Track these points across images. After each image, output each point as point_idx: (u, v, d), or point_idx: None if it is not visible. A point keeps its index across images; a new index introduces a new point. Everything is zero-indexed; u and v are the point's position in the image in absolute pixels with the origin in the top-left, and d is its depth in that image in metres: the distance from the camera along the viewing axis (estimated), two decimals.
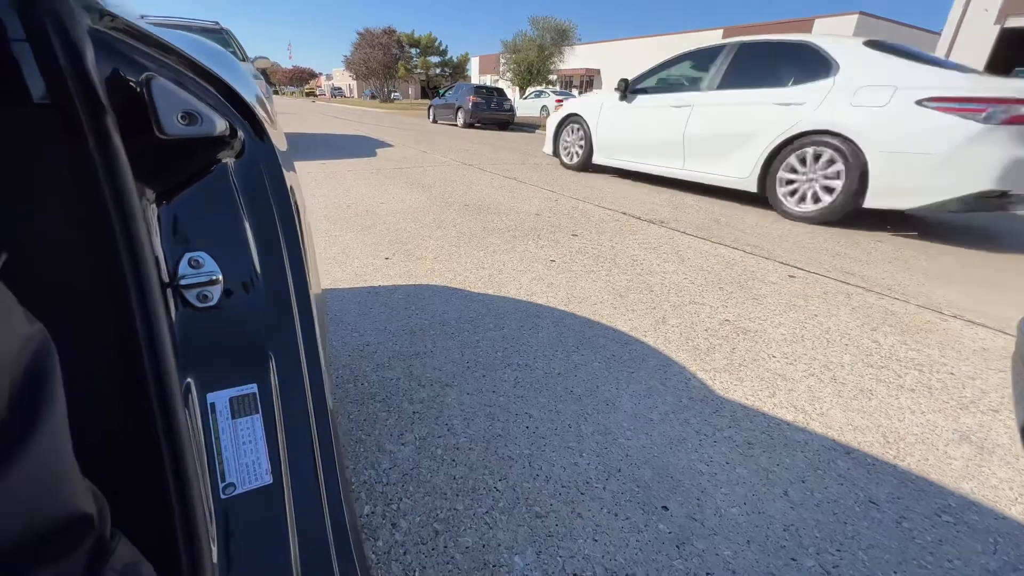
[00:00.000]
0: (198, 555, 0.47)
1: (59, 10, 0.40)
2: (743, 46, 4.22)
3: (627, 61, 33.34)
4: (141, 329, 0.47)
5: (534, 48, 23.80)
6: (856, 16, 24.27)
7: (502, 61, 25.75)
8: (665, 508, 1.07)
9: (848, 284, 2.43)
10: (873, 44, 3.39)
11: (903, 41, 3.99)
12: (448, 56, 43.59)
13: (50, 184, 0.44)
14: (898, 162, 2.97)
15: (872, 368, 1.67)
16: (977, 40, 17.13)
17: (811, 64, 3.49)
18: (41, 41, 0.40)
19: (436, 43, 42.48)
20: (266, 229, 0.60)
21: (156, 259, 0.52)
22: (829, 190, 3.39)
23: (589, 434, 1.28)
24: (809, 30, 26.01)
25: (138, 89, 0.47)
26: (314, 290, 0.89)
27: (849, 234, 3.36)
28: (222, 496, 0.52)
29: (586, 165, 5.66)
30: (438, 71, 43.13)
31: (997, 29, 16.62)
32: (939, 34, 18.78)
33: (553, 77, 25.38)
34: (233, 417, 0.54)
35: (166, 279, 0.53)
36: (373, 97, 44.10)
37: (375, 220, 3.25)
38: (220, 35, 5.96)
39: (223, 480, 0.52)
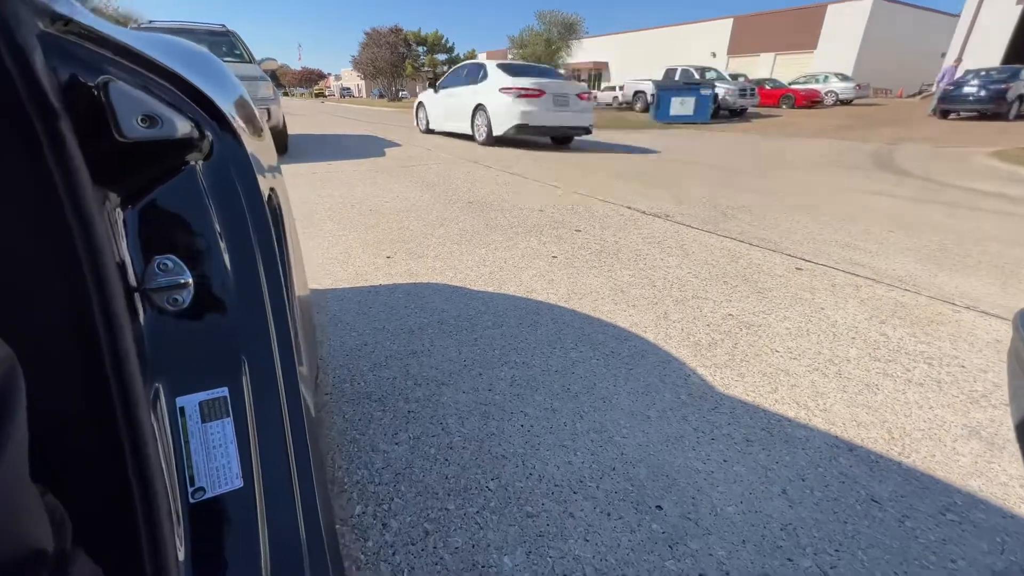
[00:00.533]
0: (163, 560, 0.47)
1: (4, 14, 0.39)
2: (466, 65, 8.52)
3: (635, 54, 32.99)
4: (103, 334, 0.47)
5: (541, 43, 23.66)
6: (871, 0, 23.67)
7: (509, 56, 25.64)
8: (659, 507, 1.05)
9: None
10: (501, 66, 7.67)
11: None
12: (455, 53, 43.55)
13: (4, 191, 0.44)
14: (497, 115, 7.28)
15: (879, 362, 1.63)
16: (998, 21, 16.61)
17: (481, 74, 7.78)
18: None
19: (443, 40, 42.46)
20: (238, 231, 0.60)
21: (122, 263, 0.51)
22: (488, 129, 7.53)
23: (584, 432, 1.27)
24: (821, 16, 25.46)
25: (96, 92, 0.47)
26: (298, 292, 0.89)
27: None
28: (191, 500, 0.52)
29: (428, 130, 9.69)
30: (445, 68, 43.16)
31: (1020, 10, 16.10)
32: (958, 16, 18.27)
33: (561, 71, 25.26)
34: (203, 421, 0.54)
35: (134, 283, 0.53)
36: (381, 96, 44.25)
37: (378, 219, 3.26)
38: (227, 38, 6.01)
39: (192, 484, 0.52)
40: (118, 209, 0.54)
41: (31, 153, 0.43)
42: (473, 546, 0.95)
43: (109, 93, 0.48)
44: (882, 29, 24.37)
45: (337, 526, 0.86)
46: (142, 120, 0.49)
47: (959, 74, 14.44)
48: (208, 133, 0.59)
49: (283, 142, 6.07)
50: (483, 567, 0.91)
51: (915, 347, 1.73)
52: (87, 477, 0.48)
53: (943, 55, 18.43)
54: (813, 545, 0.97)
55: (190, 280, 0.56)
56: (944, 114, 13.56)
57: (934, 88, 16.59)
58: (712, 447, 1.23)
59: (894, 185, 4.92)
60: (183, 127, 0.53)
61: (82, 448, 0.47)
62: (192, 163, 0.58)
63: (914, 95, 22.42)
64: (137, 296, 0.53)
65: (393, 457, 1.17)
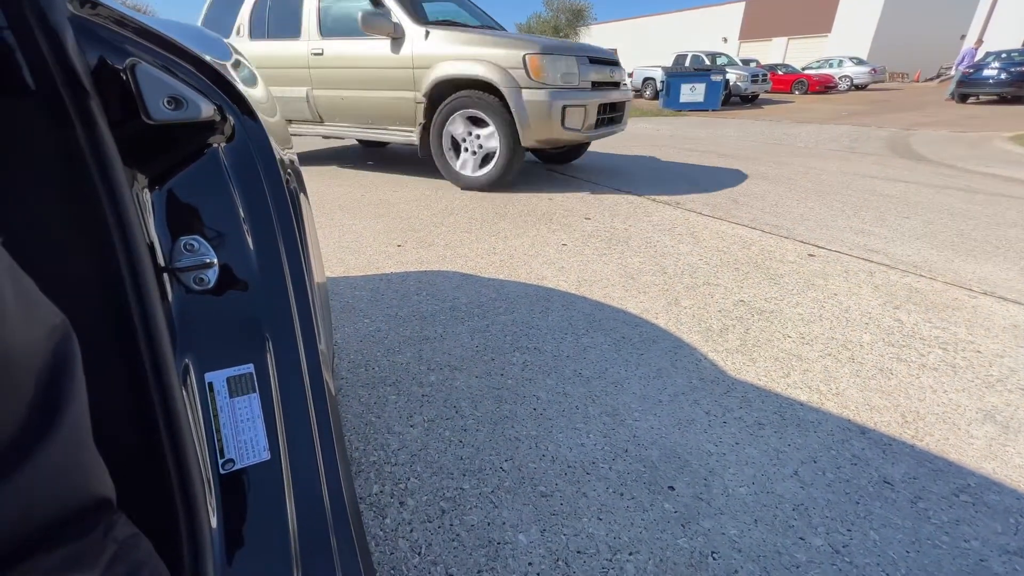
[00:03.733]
0: (197, 526, 0.49)
1: None
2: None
3: (644, 40, 32.50)
4: (136, 312, 0.48)
5: (549, 30, 23.38)
6: None
7: None
8: (671, 488, 1.06)
9: None
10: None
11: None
12: None
13: (41, 171, 0.45)
14: None
15: (893, 347, 1.62)
16: (1020, 1, 16.09)
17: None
18: (22, 30, 0.41)
19: None
20: (259, 212, 0.61)
21: (151, 244, 0.53)
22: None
23: (596, 415, 1.28)
24: (835, 2, 24.86)
25: (124, 76, 0.48)
26: (316, 279, 0.90)
27: None
28: (221, 471, 0.54)
29: None
30: None
31: None
32: None
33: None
34: (231, 396, 0.56)
35: (162, 263, 0.54)
36: None
37: (388, 208, 3.27)
38: None
39: (222, 456, 0.54)
40: (146, 190, 0.55)
41: (64, 132, 0.44)
42: (489, 524, 0.97)
43: (136, 75, 0.49)
44: (899, 11, 23.74)
45: None
46: (168, 102, 0.51)
47: (979, 56, 14.06)
48: (230, 116, 0.60)
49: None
50: (499, 544, 0.93)
51: (930, 332, 1.72)
52: (125, 446, 0.50)
53: (962, 37, 17.93)
54: (825, 525, 0.98)
55: (215, 260, 0.57)
56: (963, 98, 13.23)
57: (952, 71, 16.15)
58: (724, 430, 1.23)
59: (909, 171, 4.83)
60: (207, 109, 0.54)
61: (120, 419, 0.49)
62: (215, 145, 0.60)
63: (932, 79, 21.88)
64: (165, 275, 0.55)
65: (408, 439, 1.20)
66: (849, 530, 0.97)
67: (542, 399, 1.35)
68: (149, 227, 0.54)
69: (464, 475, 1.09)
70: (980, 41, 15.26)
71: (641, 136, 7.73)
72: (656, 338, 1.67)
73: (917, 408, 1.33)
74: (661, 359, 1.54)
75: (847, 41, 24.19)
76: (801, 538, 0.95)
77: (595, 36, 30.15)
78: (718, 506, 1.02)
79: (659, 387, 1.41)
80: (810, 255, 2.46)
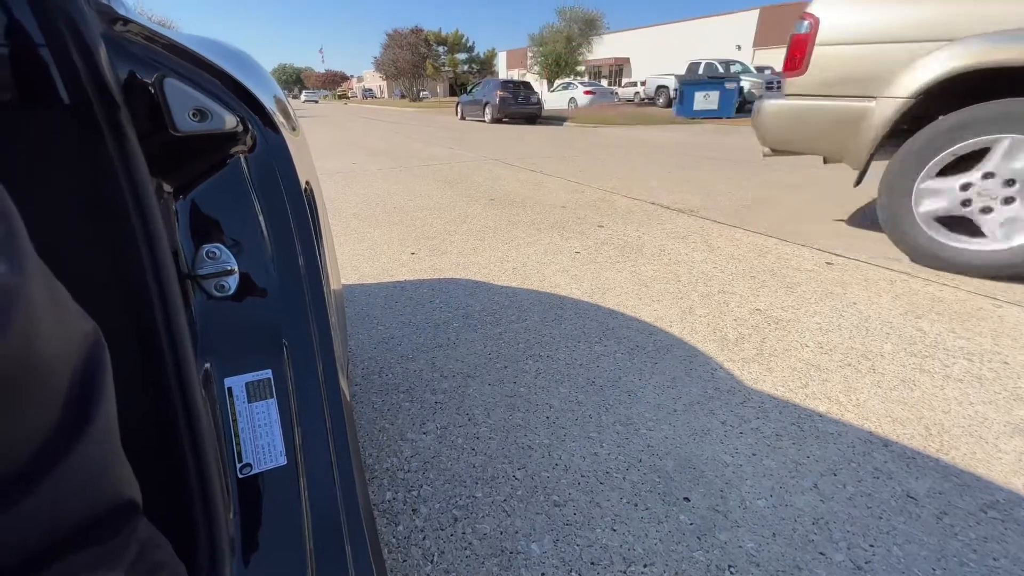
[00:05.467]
0: (216, 529, 0.50)
1: (74, 16, 0.42)
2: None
3: (657, 48, 32.51)
4: (160, 317, 0.50)
5: (561, 40, 23.52)
6: None
7: (529, 55, 25.58)
8: (687, 499, 1.05)
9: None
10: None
11: None
12: (475, 52, 43.70)
13: (72, 182, 0.47)
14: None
15: (916, 357, 1.58)
16: None
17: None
18: (59, 46, 0.42)
19: (463, 40, 42.63)
20: (279, 221, 0.63)
21: (176, 251, 0.55)
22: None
23: (610, 424, 1.27)
24: None
25: (151, 89, 0.50)
26: (331, 282, 0.92)
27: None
28: (239, 476, 0.55)
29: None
30: (466, 68, 43.32)
31: None
32: None
33: (581, 68, 25.03)
34: (249, 401, 0.57)
35: (185, 270, 0.56)
36: (403, 96, 44.74)
37: (403, 216, 3.31)
38: None
39: (240, 460, 0.55)
40: (171, 199, 0.57)
41: (95, 144, 0.46)
42: (501, 533, 0.97)
43: (164, 88, 0.50)
44: None
45: None
46: (193, 114, 0.52)
47: None
48: (252, 127, 0.61)
49: None
50: (512, 553, 0.92)
51: (954, 343, 1.67)
52: (148, 449, 0.51)
53: None
54: (846, 539, 0.95)
55: (236, 267, 0.59)
56: None
57: None
58: (740, 441, 1.21)
59: None
60: (230, 121, 0.55)
61: (143, 422, 0.50)
62: (237, 155, 0.61)
63: None
64: (188, 282, 0.56)
65: (421, 446, 1.20)
66: (872, 545, 0.94)
67: (555, 407, 1.34)
68: (174, 235, 0.55)
69: (477, 483, 1.09)
70: None
71: (652, 143, 7.71)
72: (670, 346, 1.66)
73: (942, 420, 1.29)
74: (675, 368, 1.53)
75: None
76: (821, 553, 0.92)
77: (607, 45, 30.26)
78: (735, 518, 1.00)
79: (674, 396, 1.39)
80: (828, 263, 2.42)
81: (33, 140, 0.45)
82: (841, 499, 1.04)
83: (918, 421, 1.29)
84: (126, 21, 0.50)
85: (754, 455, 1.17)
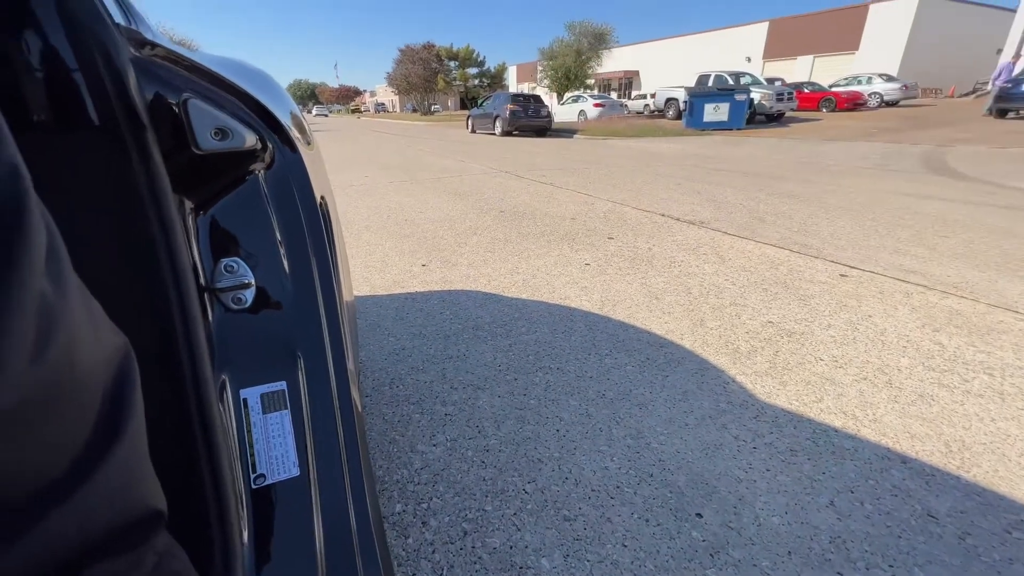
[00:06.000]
0: (230, 540, 0.50)
1: (106, 42, 0.45)
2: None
3: (667, 61, 32.68)
4: (180, 330, 0.51)
5: (571, 53, 23.76)
6: None
7: (539, 68, 25.85)
8: (699, 515, 1.03)
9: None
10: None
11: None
12: (486, 67, 44.31)
13: (99, 198, 0.49)
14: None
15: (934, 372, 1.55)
16: None
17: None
18: (91, 71, 0.45)
19: (474, 55, 43.28)
20: (295, 236, 0.64)
21: (195, 265, 0.56)
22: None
23: (620, 438, 1.26)
24: (863, 17, 24.60)
25: (176, 109, 0.52)
26: (345, 298, 0.93)
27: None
28: (253, 486, 0.55)
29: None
30: (476, 82, 43.90)
31: None
32: (1014, 11, 17.30)
33: (591, 81, 25.22)
34: (264, 412, 0.58)
35: (204, 283, 0.57)
36: (414, 110, 45.39)
37: (413, 229, 3.34)
38: None
39: (254, 471, 0.56)
40: (192, 215, 0.59)
41: (123, 163, 0.47)
42: (511, 547, 0.96)
43: (188, 109, 0.52)
44: (930, 27, 23.28)
45: None
46: (215, 133, 0.54)
47: (1017, 71, 13.61)
48: (270, 144, 0.63)
49: None
50: (521, 568, 0.92)
51: (973, 357, 1.64)
52: (166, 459, 0.52)
53: (998, 52, 17.44)
54: (865, 559, 0.93)
55: (253, 281, 0.60)
56: (1001, 113, 12.77)
57: (989, 86, 15.66)
58: (754, 456, 1.19)
59: (946, 188, 4.67)
60: (250, 139, 0.57)
61: (162, 432, 0.51)
62: (255, 172, 0.63)
63: (967, 94, 21.24)
64: (206, 295, 0.58)
65: (431, 458, 1.20)
66: (891, 566, 0.91)
67: (565, 420, 1.34)
68: (194, 249, 0.57)
69: (486, 496, 1.08)
70: (1019, 55, 14.79)
71: (662, 155, 7.72)
72: (681, 359, 1.64)
73: (962, 437, 1.26)
74: (687, 381, 1.51)
75: (876, 58, 23.79)
76: (839, 573, 0.90)
77: (617, 59, 30.50)
78: (749, 536, 0.98)
79: (685, 410, 1.37)
80: (842, 275, 2.39)
81: (64, 160, 0.47)
82: (859, 517, 1.02)
83: (937, 437, 1.26)
84: (153, 45, 0.52)
85: (768, 471, 1.15)
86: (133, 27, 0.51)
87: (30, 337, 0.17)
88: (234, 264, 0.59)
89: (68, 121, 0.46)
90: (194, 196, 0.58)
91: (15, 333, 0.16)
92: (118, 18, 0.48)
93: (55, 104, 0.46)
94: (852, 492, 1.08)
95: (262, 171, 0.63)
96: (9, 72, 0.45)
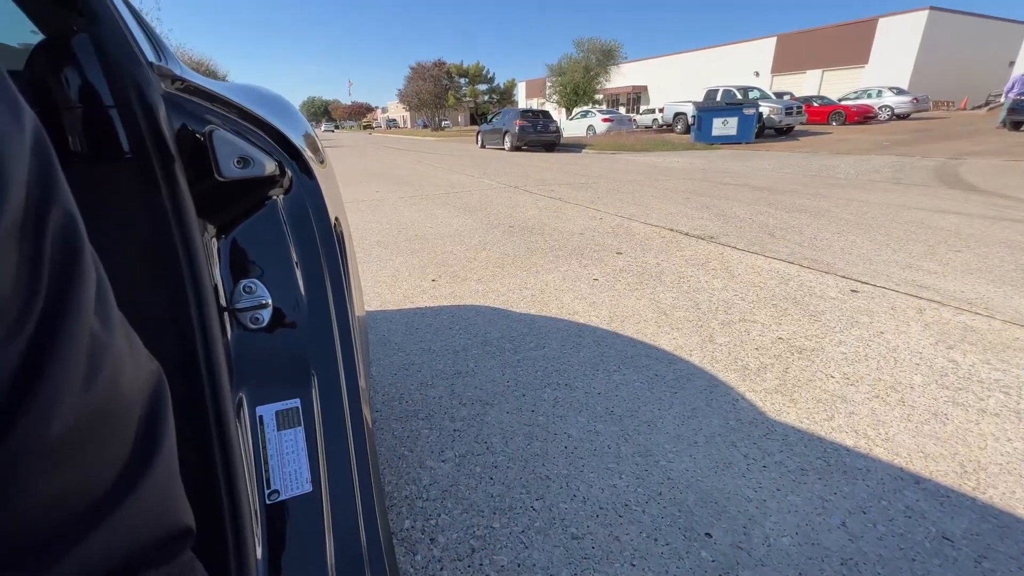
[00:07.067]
0: (245, 555, 0.52)
1: (140, 80, 0.48)
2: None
3: (675, 76, 32.92)
4: (200, 348, 0.53)
5: (579, 69, 24.06)
6: (926, 12, 22.69)
7: (548, 84, 26.19)
8: (708, 535, 1.02)
9: None
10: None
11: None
12: (495, 83, 44.97)
13: (129, 225, 0.52)
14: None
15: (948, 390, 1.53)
16: None
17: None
18: (125, 106, 0.48)
19: (484, 71, 43.98)
20: (310, 258, 0.67)
21: (216, 287, 0.59)
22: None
23: (629, 455, 1.26)
24: (872, 31, 24.63)
25: (202, 139, 0.55)
26: (356, 313, 0.96)
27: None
28: (267, 501, 0.57)
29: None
30: (486, 98, 44.53)
31: None
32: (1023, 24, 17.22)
33: (599, 96, 25.48)
34: (279, 429, 0.60)
35: (224, 304, 0.60)
36: (425, 126, 46.11)
37: (423, 244, 3.39)
38: None
39: (269, 487, 0.57)
40: (214, 239, 0.61)
41: (152, 193, 0.50)
42: (519, 565, 0.96)
43: (213, 140, 0.56)
44: (940, 40, 23.22)
45: None
46: (238, 162, 0.57)
47: None
48: (288, 171, 0.66)
49: None
50: None
51: (989, 375, 1.61)
52: (184, 474, 0.54)
53: (1011, 64, 17.33)
54: None
55: (270, 301, 0.62)
56: (1015, 126, 12.64)
57: (1002, 98, 15.52)
58: (764, 475, 1.19)
59: (960, 202, 4.63)
60: (270, 166, 0.60)
61: (181, 449, 0.53)
62: (274, 197, 0.66)
63: (980, 107, 21.07)
64: (226, 315, 0.60)
65: (440, 474, 1.21)
66: None
67: (573, 436, 1.34)
68: (215, 272, 0.60)
69: (495, 513, 1.09)
70: None
71: (670, 169, 7.74)
72: (690, 376, 1.64)
73: (978, 457, 1.24)
74: (696, 398, 1.51)
75: (886, 71, 23.74)
76: None
77: (625, 74, 30.80)
78: (759, 556, 0.97)
79: (694, 427, 1.37)
80: (853, 291, 2.38)
81: (98, 188, 0.50)
82: (871, 539, 1.01)
83: (952, 457, 1.24)
84: (183, 81, 0.55)
85: (778, 490, 1.14)
86: (164, 64, 0.54)
87: (82, 370, 0.19)
88: (253, 285, 0.62)
89: (103, 152, 0.49)
90: (216, 220, 0.61)
91: (70, 368, 0.18)
92: (151, 56, 0.52)
93: (92, 136, 0.49)
94: (864, 513, 1.07)
95: (280, 195, 0.66)
96: (51, 107, 0.49)
